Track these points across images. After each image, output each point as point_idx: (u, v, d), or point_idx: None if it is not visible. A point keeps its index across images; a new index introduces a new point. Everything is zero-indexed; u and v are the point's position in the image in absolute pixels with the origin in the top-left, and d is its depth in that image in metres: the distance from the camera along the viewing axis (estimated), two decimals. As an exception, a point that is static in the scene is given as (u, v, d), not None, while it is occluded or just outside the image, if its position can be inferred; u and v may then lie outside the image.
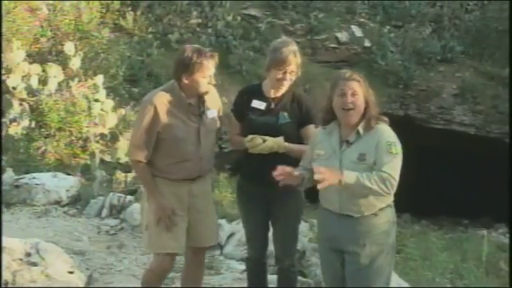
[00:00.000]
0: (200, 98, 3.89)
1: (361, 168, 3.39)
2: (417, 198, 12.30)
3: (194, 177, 3.93)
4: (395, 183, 3.38)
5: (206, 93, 3.88)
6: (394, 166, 3.38)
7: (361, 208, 3.46)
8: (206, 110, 3.91)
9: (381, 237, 3.49)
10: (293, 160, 3.81)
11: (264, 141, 3.81)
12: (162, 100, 3.79)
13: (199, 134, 3.87)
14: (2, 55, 8.55)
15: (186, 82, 3.79)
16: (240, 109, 4.06)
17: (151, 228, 3.85)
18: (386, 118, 3.55)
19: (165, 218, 3.80)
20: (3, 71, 8.53)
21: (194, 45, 3.94)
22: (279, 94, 3.98)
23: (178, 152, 3.82)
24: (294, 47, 3.93)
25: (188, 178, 3.90)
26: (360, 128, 3.46)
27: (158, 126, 3.76)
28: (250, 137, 3.85)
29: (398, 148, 3.42)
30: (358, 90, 3.46)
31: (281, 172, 3.49)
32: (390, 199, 3.53)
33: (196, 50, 3.81)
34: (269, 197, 3.99)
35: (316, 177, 3.28)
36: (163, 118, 3.77)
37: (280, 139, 3.84)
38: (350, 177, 3.32)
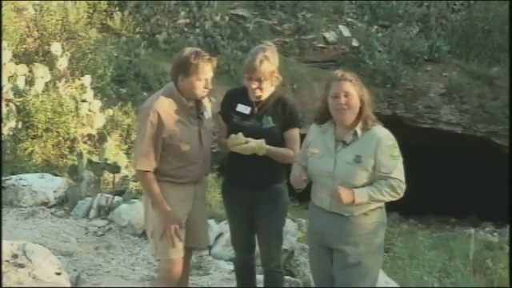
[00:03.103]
0: (197, 100, 3.88)
1: (356, 169, 3.40)
2: (404, 197, 12.34)
3: (198, 179, 3.93)
4: (404, 186, 3.47)
5: (203, 97, 3.86)
6: (400, 170, 3.46)
7: (352, 208, 3.46)
8: (203, 111, 3.91)
9: (369, 237, 3.50)
10: (276, 163, 3.84)
11: (246, 142, 3.80)
12: (163, 105, 3.74)
13: (201, 136, 3.86)
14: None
15: (181, 83, 3.77)
16: (226, 111, 4.04)
17: (156, 235, 3.84)
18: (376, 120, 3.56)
19: (171, 230, 3.77)
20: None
21: (193, 47, 3.94)
22: (262, 98, 3.97)
23: (184, 156, 3.79)
24: (264, 54, 3.84)
25: (193, 181, 3.90)
26: (358, 129, 3.46)
27: (163, 132, 3.71)
28: (234, 135, 3.84)
29: (398, 149, 3.48)
30: (350, 91, 3.45)
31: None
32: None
33: (194, 51, 3.80)
34: (253, 199, 3.98)
35: (333, 198, 3.39)
36: (167, 123, 3.72)
37: (262, 141, 3.83)
38: (362, 196, 3.38)
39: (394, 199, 3.46)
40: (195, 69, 3.73)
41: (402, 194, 3.47)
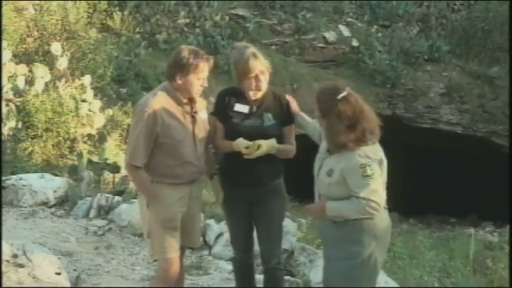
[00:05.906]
0: (191, 99, 3.89)
1: (327, 182, 3.43)
2: (404, 197, 12.36)
3: (193, 179, 3.94)
4: (376, 205, 3.35)
5: (197, 95, 3.87)
6: (371, 189, 3.34)
7: None
8: (197, 111, 3.91)
9: (351, 245, 3.47)
10: (275, 159, 3.88)
11: (259, 145, 3.81)
12: (160, 103, 3.77)
13: (194, 135, 3.87)
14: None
15: (179, 82, 3.79)
16: (223, 111, 4.00)
17: (153, 236, 3.86)
18: (368, 141, 3.40)
19: (167, 226, 3.81)
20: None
21: (190, 46, 3.97)
22: (260, 95, 3.96)
23: (178, 154, 3.81)
24: (250, 50, 3.88)
25: (188, 181, 3.91)
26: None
27: (158, 129, 3.75)
28: (246, 144, 3.83)
29: (373, 167, 3.35)
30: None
31: None
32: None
33: (193, 51, 3.83)
34: (251, 197, 3.99)
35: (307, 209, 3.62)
36: (162, 121, 3.75)
37: (272, 141, 3.85)
38: (333, 211, 3.44)
39: (363, 217, 3.39)
40: (195, 68, 3.76)
41: (375, 213, 3.37)
